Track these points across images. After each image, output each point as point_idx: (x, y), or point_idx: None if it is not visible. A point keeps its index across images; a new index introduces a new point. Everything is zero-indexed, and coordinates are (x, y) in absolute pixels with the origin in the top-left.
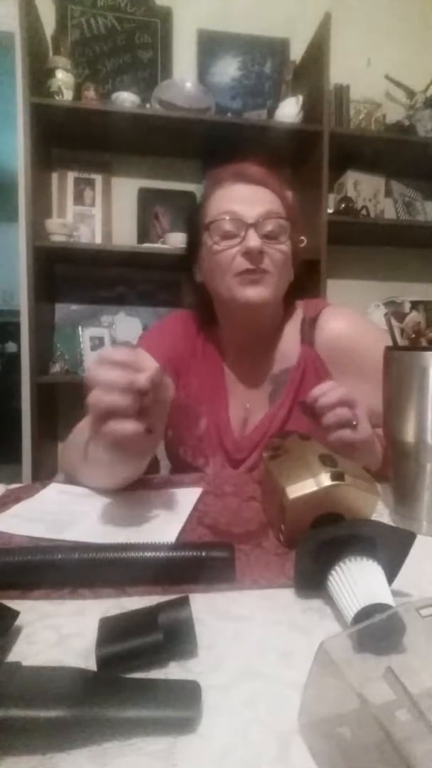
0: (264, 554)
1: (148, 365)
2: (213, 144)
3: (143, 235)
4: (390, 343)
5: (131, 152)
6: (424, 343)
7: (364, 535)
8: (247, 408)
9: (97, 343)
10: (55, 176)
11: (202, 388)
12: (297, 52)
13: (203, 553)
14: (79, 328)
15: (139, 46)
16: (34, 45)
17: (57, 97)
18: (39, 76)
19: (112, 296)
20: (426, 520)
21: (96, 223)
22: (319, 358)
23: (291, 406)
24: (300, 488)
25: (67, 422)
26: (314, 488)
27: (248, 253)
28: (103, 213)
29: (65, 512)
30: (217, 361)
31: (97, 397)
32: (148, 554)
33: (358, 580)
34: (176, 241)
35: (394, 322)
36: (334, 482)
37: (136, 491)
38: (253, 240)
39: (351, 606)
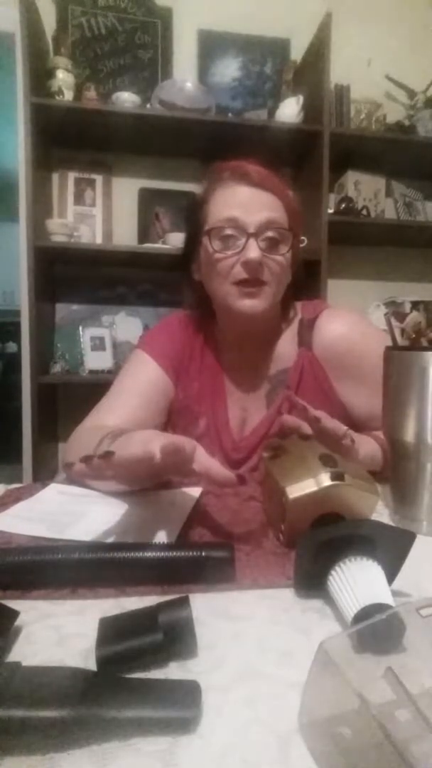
0: (264, 554)
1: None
2: (213, 144)
3: (144, 235)
4: (390, 344)
5: (132, 152)
6: (424, 343)
7: (364, 535)
8: (245, 409)
9: (98, 343)
10: (55, 176)
11: (201, 389)
12: (297, 52)
13: (203, 553)
14: (80, 328)
15: (139, 46)
16: (35, 45)
17: (57, 97)
18: (39, 76)
19: (112, 296)
20: (426, 520)
21: (96, 223)
22: (317, 360)
23: (288, 408)
24: (300, 488)
25: (68, 422)
26: (314, 488)
27: (247, 264)
28: (104, 213)
29: (65, 512)
30: (215, 362)
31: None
32: (148, 554)
33: (358, 580)
34: (177, 241)
35: (394, 322)
36: (334, 482)
37: (136, 491)
38: (253, 251)
39: (351, 606)
